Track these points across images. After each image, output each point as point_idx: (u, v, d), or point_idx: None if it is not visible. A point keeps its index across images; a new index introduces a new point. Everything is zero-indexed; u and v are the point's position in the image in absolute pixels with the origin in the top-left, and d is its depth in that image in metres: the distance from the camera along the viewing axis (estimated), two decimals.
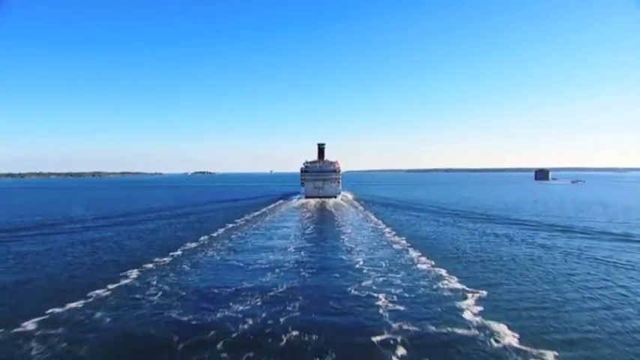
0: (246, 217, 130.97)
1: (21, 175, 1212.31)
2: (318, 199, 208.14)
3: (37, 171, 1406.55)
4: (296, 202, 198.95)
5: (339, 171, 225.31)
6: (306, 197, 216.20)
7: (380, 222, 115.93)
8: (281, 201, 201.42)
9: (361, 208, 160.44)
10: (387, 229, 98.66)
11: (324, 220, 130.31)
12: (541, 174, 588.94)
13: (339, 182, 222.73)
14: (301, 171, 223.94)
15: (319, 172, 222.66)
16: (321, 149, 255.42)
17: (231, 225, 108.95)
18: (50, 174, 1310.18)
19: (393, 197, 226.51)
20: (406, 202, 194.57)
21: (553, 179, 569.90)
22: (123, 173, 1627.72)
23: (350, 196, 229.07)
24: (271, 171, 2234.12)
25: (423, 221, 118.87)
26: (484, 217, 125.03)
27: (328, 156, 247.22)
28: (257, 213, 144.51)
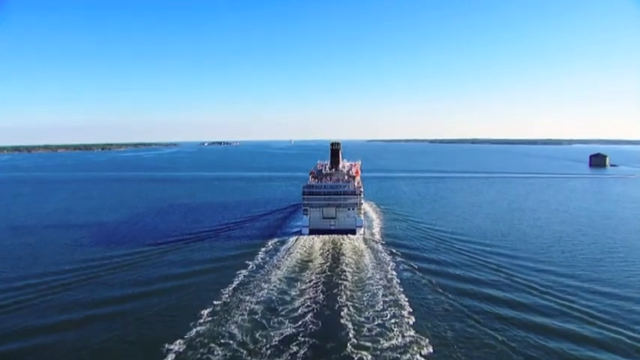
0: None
1: (28, 149, 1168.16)
2: (327, 238, 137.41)
3: (45, 143, 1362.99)
4: (290, 245, 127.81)
5: (361, 191, 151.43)
6: (310, 232, 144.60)
7: None
8: (271, 244, 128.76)
9: (405, 301, 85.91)
10: None
11: None
12: (597, 159, 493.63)
13: (360, 209, 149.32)
14: (303, 192, 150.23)
15: (330, 195, 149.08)
16: (334, 151, 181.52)
17: None
18: (58, 147, 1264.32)
19: (446, 231, 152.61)
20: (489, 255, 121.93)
21: (611, 165, 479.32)
22: (136, 145, 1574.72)
23: (376, 228, 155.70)
24: (291, 141, 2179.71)
25: None
26: None
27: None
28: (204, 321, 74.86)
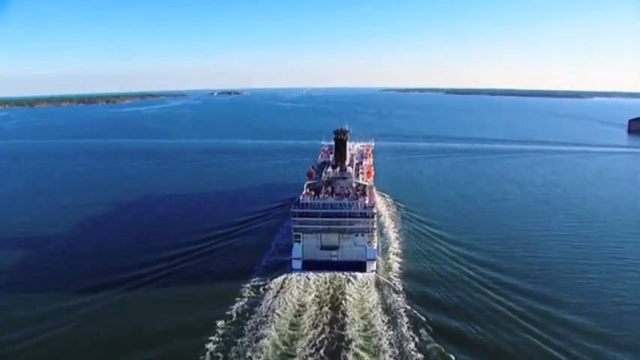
0: None
1: (30, 103, 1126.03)
2: (323, 287, 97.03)
3: (50, 94, 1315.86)
4: (268, 305, 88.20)
5: (374, 213, 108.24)
6: (304, 266, 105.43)
7: None
8: (240, 305, 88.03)
9: None
10: None
11: None
12: (638, 124, 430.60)
13: (373, 235, 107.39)
14: (293, 214, 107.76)
15: (331, 218, 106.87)
16: (340, 142, 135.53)
17: None
18: (62, 100, 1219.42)
19: (499, 268, 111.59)
20: None
21: None
22: (142, 96, 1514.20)
23: (394, 256, 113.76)
24: (303, 90, 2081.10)
25: None
26: None
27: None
28: None
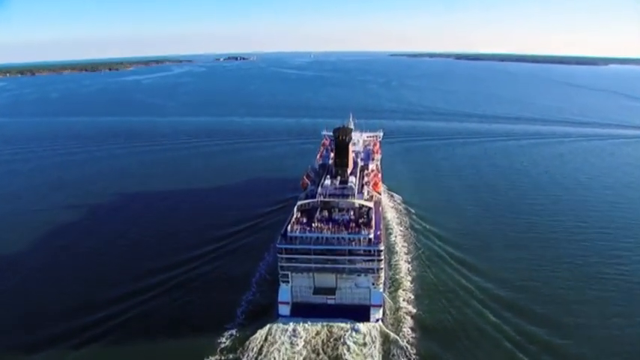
0: None
1: (32, 71, 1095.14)
2: (315, 344, 76.04)
3: (52, 60, 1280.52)
4: None
5: (380, 250, 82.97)
6: (294, 311, 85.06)
7: None
8: None
9: None
10: None
11: None
12: None
13: (380, 275, 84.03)
14: (279, 250, 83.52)
15: (325, 254, 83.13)
16: (341, 145, 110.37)
17: None
18: (64, 68, 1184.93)
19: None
20: None
21: None
22: (147, 62, 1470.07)
23: (407, 302, 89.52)
24: (311, 54, 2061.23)
25: None
26: None
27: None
28: None
